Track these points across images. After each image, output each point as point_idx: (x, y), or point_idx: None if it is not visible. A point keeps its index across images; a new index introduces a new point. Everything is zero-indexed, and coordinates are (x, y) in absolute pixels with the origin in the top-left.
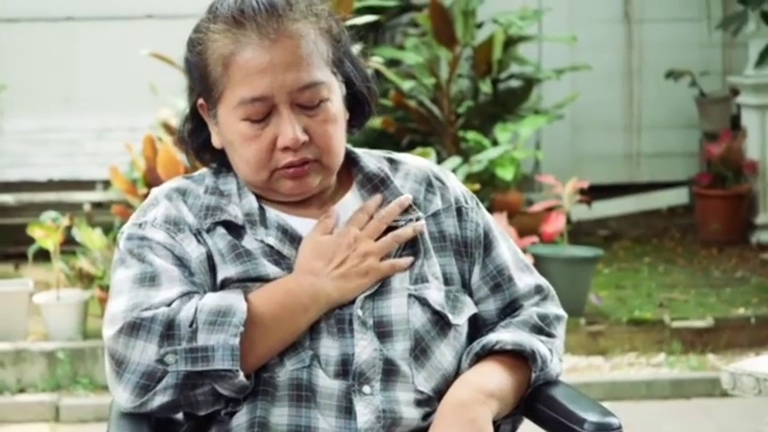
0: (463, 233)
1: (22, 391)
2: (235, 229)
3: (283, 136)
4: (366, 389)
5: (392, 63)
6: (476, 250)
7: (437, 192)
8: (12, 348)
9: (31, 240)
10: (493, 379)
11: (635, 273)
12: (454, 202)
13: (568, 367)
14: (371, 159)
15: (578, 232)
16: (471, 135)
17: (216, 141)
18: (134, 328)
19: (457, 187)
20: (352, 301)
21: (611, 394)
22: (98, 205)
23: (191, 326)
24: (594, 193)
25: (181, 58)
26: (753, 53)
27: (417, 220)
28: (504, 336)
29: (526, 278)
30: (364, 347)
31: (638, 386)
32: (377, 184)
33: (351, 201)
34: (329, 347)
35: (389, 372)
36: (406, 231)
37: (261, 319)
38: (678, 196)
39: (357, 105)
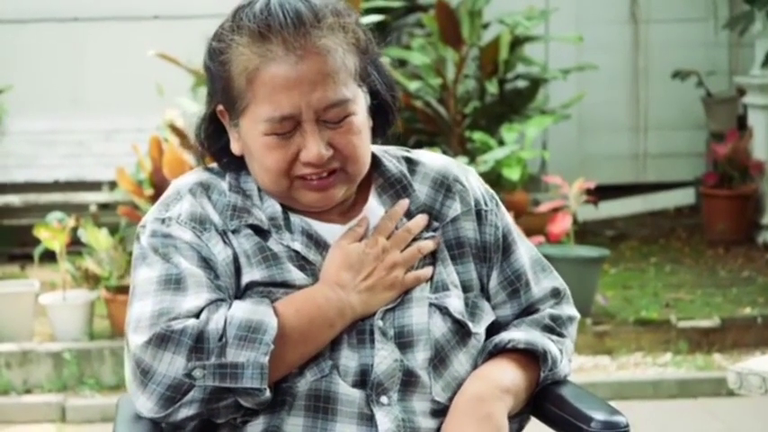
0: (482, 237)
1: (28, 391)
2: (260, 232)
3: (308, 151)
4: (384, 399)
5: (398, 63)
6: (494, 255)
7: (456, 196)
8: (18, 349)
9: (37, 241)
10: (507, 375)
11: (641, 273)
12: (474, 204)
13: (575, 367)
14: (392, 161)
15: (585, 232)
16: (478, 135)
17: (235, 148)
18: (163, 339)
19: (477, 188)
20: (373, 312)
21: (617, 394)
22: (104, 206)
23: (220, 339)
24: (601, 193)
25: (187, 60)
26: (759, 53)
27: (435, 230)
28: (517, 335)
29: (544, 281)
30: (384, 358)
31: (645, 386)
32: (398, 191)
33: (375, 206)
34: (349, 358)
35: (408, 382)
36: (428, 244)
37: (289, 335)
38: (685, 196)
39: (381, 113)
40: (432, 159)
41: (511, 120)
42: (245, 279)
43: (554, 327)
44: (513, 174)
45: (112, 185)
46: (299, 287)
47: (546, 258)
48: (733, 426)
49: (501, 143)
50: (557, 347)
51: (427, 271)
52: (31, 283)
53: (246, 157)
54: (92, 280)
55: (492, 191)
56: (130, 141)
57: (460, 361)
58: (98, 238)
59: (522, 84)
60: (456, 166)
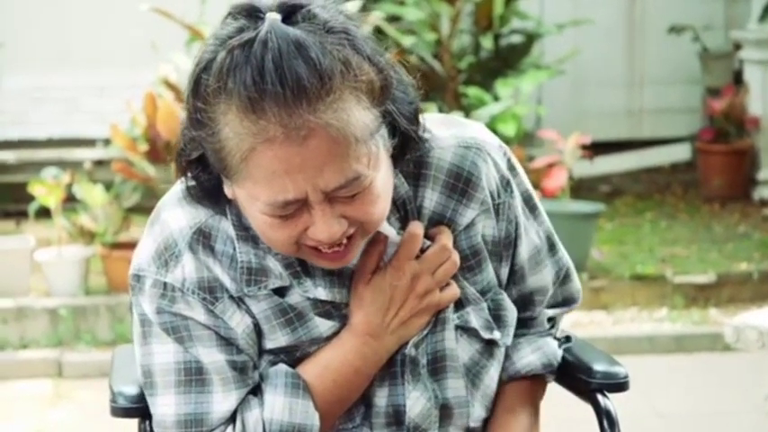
0: (498, 233)
1: (24, 347)
2: (280, 290)
3: (317, 230)
4: None
5: (393, 19)
6: (504, 251)
7: (470, 201)
8: (14, 305)
9: (32, 198)
10: (530, 428)
11: (637, 228)
12: (490, 200)
13: (571, 323)
14: (399, 177)
15: (580, 188)
16: (472, 91)
17: (228, 193)
18: None
19: (492, 177)
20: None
21: (613, 349)
22: (99, 163)
23: None
24: (596, 148)
25: (182, 14)
26: (756, 7)
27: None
28: (533, 360)
29: (552, 263)
30: (416, 399)
31: (641, 341)
32: (402, 217)
33: (384, 224)
34: (379, 396)
35: (444, 416)
36: (457, 257)
37: (329, 409)
38: (680, 152)
39: (402, 143)
40: (443, 151)
41: (506, 75)
42: (270, 345)
43: (552, 324)
44: (507, 129)
45: (107, 142)
46: (328, 338)
47: None
48: (728, 380)
49: (496, 98)
50: (558, 345)
51: (456, 288)
52: (26, 240)
53: (241, 208)
54: (87, 236)
55: (507, 173)
56: (124, 97)
57: (491, 376)
58: (93, 194)
59: (517, 39)
60: (469, 154)
